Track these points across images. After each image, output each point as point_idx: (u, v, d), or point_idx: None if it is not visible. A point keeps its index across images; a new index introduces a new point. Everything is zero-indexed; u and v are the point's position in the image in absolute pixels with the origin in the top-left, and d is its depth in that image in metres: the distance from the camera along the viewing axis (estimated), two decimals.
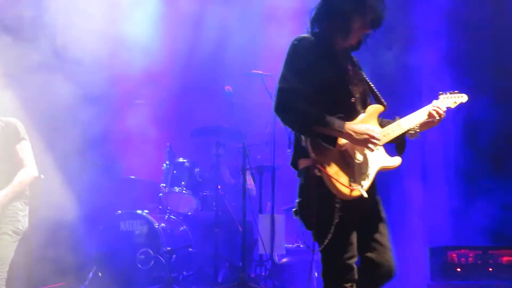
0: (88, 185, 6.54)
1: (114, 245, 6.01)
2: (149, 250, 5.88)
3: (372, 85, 3.39)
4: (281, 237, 6.17)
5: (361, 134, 3.11)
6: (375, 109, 3.33)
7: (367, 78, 3.40)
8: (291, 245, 6.62)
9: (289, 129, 3.22)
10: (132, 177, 6.71)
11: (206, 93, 7.15)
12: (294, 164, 3.28)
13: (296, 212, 3.25)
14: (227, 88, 6.10)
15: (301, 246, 6.54)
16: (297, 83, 3.12)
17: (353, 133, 3.10)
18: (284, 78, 3.16)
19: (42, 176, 4.71)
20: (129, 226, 6.07)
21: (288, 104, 3.12)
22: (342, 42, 3.29)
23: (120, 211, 6.20)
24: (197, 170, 6.52)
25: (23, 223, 4.37)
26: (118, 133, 6.90)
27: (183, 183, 6.42)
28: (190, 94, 7.28)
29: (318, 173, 3.07)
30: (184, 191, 6.39)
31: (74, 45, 6.33)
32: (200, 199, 6.51)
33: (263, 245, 6.04)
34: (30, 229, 4.54)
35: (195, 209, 6.53)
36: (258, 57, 6.98)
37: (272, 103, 3.20)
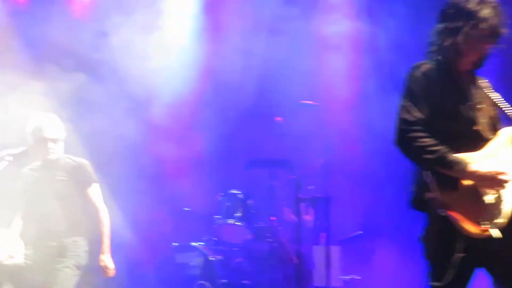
0: (144, 218, 6.65)
1: (170, 277, 6.06)
2: (205, 282, 5.90)
3: (505, 106, 3.12)
4: (337, 268, 6.09)
5: (484, 177, 2.88)
6: (508, 132, 3.06)
7: (498, 99, 3.15)
8: (347, 277, 6.52)
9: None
10: (187, 209, 6.78)
11: (257, 125, 7.20)
12: (417, 199, 3.06)
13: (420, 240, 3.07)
14: (278, 119, 6.14)
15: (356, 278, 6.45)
16: (416, 113, 2.96)
17: (475, 178, 2.88)
18: (403, 108, 3.01)
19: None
20: (184, 259, 6.12)
21: (408, 138, 2.97)
22: (462, 63, 3.10)
23: (175, 243, 6.26)
24: (250, 201, 6.54)
25: (84, 258, 4.49)
26: (172, 165, 7.00)
27: (237, 214, 6.44)
28: (242, 125, 7.34)
29: (443, 213, 2.87)
30: (238, 223, 6.41)
31: (133, 82, 6.55)
32: (254, 230, 6.51)
33: (319, 277, 5.97)
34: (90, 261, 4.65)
35: (250, 240, 6.52)
36: (308, 87, 7.00)
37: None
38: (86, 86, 6.45)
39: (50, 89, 6.07)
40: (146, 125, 6.79)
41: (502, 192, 2.91)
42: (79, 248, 4.47)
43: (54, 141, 4.50)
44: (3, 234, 5.48)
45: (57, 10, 6.90)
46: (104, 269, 4.51)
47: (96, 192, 4.61)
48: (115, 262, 6.19)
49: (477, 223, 2.83)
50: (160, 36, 7.11)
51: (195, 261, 6.10)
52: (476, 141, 3.01)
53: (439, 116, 2.99)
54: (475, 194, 2.89)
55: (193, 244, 6.18)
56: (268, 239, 6.21)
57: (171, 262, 6.13)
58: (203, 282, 5.91)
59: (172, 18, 7.26)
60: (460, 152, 2.94)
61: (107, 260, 4.51)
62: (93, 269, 4.62)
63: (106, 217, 4.60)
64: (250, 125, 7.29)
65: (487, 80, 3.23)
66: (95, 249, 4.70)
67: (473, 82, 3.15)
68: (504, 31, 3.03)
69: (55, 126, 4.53)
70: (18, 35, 6.83)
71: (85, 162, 4.64)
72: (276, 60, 7.25)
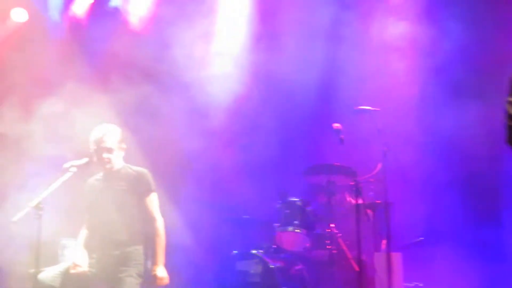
0: (204, 225, 6.72)
1: (231, 285, 6.09)
2: None
3: None
4: (399, 276, 5.98)
5: None
6: None
7: None
8: (410, 284, 6.40)
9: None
10: (247, 216, 6.80)
11: (316, 130, 7.17)
12: None
13: None
14: (336, 125, 6.09)
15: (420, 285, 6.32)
16: None
17: None
18: (510, 104, 2.88)
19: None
20: (244, 266, 6.14)
21: None
22: None
23: (235, 251, 6.30)
24: (309, 208, 6.51)
25: (145, 266, 4.57)
26: (231, 172, 7.05)
27: (296, 222, 6.42)
28: (301, 131, 7.32)
29: None
30: (297, 230, 6.38)
31: (194, 90, 6.65)
32: (314, 237, 6.47)
33: (380, 284, 5.88)
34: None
35: (309, 248, 6.49)
36: (368, 91, 6.92)
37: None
38: (148, 96, 6.59)
39: (114, 100, 6.24)
40: (206, 132, 6.87)
41: None
42: (140, 256, 4.54)
43: (109, 150, 4.59)
44: (70, 243, 5.67)
45: (116, 23, 7.10)
46: (157, 279, 4.53)
47: (153, 201, 4.66)
48: (177, 269, 6.31)
49: None
50: (219, 43, 7.19)
51: (255, 268, 6.11)
52: None
53: None
54: None
55: (253, 251, 6.20)
56: (327, 246, 6.16)
57: (231, 270, 6.16)
58: None
59: (230, 25, 7.35)
60: None
61: (159, 271, 4.54)
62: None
63: (162, 228, 4.64)
64: (309, 131, 7.27)
65: None
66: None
67: None
68: None
69: (111, 137, 4.62)
70: (81, 49, 7.05)
71: (144, 171, 4.71)
72: (335, 65, 7.21)
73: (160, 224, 4.63)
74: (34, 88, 6.30)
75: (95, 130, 4.66)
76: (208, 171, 6.90)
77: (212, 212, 6.81)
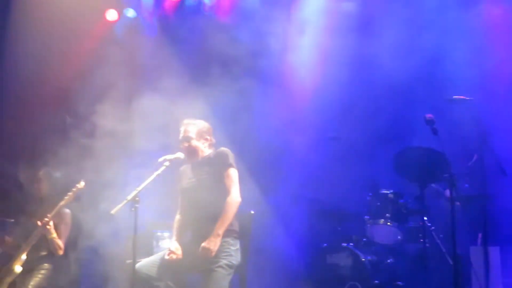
0: (295, 218, 6.75)
1: (321, 278, 6.09)
2: (357, 283, 5.85)
3: None
4: (497, 271, 5.76)
5: None
6: None
7: None
8: (509, 280, 6.15)
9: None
10: (337, 209, 6.76)
11: (408, 121, 7.00)
12: None
13: None
14: (429, 116, 5.92)
15: None
16: None
17: None
18: None
19: (252, 212, 4.96)
20: (335, 259, 6.12)
21: None
22: None
23: (325, 244, 6.28)
24: (401, 201, 6.38)
25: (236, 257, 4.61)
26: (317, 168, 7.02)
27: (387, 214, 6.31)
28: (393, 125, 7.17)
29: None
30: (388, 223, 6.28)
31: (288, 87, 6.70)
32: (406, 231, 6.34)
33: (477, 279, 5.68)
34: (244, 262, 4.78)
35: (401, 241, 6.37)
36: (465, 80, 6.68)
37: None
38: (242, 90, 6.67)
39: (210, 94, 6.37)
40: (297, 124, 6.88)
41: None
42: (230, 247, 4.60)
43: (188, 139, 4.71)
44: (164, 235, 5.86)
45: (205, 17, 7.23)
46: (203, 249, 4.46)
47: (231, 176, 4.64)
48: (270, 263, 6.39)
49: None
50: (315, 36, 7.15)
51: (346, 261, 6.07)
52: None
53: None
54: None
55: (344, 244, 6.16)
56: (420, 240, 6.03)
57: (321, 263, 6.15)
58: (354, 283, 5.87)
59: (326, 17, 7.28)
60: None
61: (208, 242, 4.44)
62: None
63: (233, 203, 4.56)
64: (402, 121, 7.10)
65: None
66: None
67: None
68: None
69: (192, 127, 4.76)
70: (174, 45, 7.24)
71: (223, 149, 4.77)
72: (431, 53, 7.00)
73: (232, 198, 4.57)
74: (133, 84, 6.53)
75: (183, 124, 4.81)
76: (298, 164, 6.90)
77: (303, 205, 6.82)
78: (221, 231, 4.49)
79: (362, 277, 5.88)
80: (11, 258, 5.32)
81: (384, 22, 7.02)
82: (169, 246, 4.71)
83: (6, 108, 7.32)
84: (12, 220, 5.67)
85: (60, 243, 5.47)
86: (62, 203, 5.40)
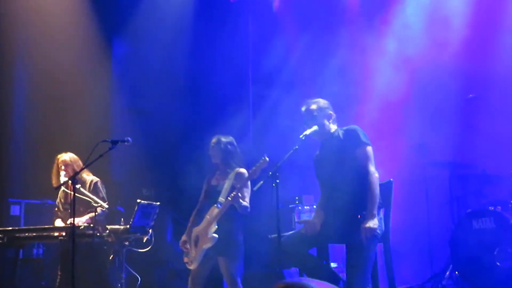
0: (436, 183, 6.60)
1: (467, 244, 5.87)
2: (508, 247, 5.58)
3: None
4: None
5: None
6: None
7: None
8: None
9: None
10: (479, 172, 6.46)
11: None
12: None
13: None
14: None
15: None
16: None
17: None
18: None
19: (392, 180, 4.87)
20: (481, 224, 5.86)
21: None
22: None
23: (470, 210, 6.05)
24: None
25: (380, 226, 4.55)
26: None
27: None
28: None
29: None
30: None
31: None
32: None
33: None
34: (387, 231, 4.71)
35: None
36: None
37: None
38: None
39: None
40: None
41: None
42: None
43: (311, 115, 4.74)
44: (304, 209, 5.90)
45: None
46: (364, 230, 4.40)
47: (365, 154, 4.56)
48: (411, 230, 6.29)
49: None
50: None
51: (492, 226, 5.79)
52: None
53: None
54: None
55: (491, 208, 5.88)
56: None
57: (467, 229, 5.91)
58: (505, 247, 5.60)
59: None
60: None
61: (368, 222, 4.39)
62: None
63: (375, 181, 4.50)
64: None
65: None
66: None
67: None
68: None
69: (312, 104, 4.77)
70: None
71: (354, 126, 4.70)
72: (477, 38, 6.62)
73: (372, 177, 4.50)
74: None
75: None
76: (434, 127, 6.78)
77: (444, 170, 6.61)
78: (375, 211, 4.47)
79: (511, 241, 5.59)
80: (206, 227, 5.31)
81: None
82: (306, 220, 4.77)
83: None
84: (158, 203, 5.76)
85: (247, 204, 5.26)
86: (247, 176, 5.18)
